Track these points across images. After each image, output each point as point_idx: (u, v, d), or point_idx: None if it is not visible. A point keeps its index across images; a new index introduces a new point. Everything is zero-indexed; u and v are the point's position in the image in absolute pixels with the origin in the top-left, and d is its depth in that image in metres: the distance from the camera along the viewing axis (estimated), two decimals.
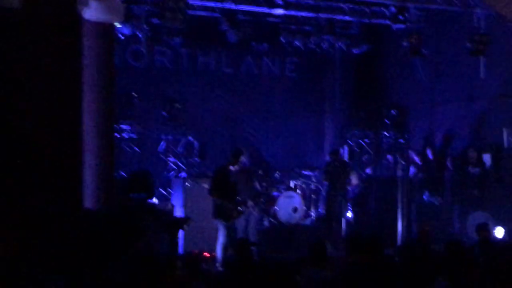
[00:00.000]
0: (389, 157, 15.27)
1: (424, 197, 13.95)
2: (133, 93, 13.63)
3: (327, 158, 14.99)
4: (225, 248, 10.15)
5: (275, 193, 13.58)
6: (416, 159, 14.36)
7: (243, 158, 10.78)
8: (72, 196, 7.62)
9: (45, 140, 7.38)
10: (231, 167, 10.61)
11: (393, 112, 15.25)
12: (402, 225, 11.75)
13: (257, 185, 11.64)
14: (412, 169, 14.34)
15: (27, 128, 7.29)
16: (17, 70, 7.27)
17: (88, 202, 8.32)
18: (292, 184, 13.96)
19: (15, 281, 4.02)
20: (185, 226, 9.17)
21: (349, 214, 13.65)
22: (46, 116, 7.41)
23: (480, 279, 6.11)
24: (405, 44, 13.42)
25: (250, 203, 10.96)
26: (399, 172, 12.06)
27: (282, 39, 15.09)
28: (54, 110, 7.45)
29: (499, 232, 11.98)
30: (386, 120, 15.32)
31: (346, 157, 15.50)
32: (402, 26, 13.80)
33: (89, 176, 8.29)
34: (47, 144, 7.39)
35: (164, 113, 13.98)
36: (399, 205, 11.72)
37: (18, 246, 6.64)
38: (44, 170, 7.37)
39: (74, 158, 7.71)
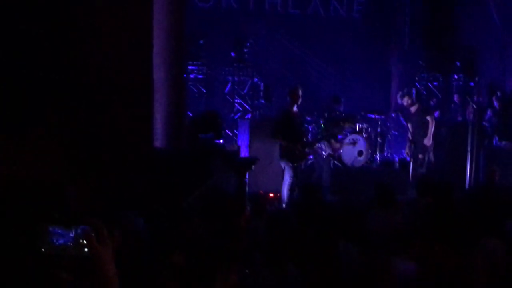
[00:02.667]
0: (455, 99, 14.96)
1: (494, 142, 13.68)
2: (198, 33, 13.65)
3: (394, 101, 14.74)
4: (291, 189, 10.19)
5: (340, 136, 13.49)
6: (495, 103, 14.01)
7: (300, 92, 10.55)
8: (143, 135, 7.73)
9: (117, 79, 7.47)
10: (295, 108, 10.49)
11: (465, 54, 14.85)
12: (471, 170, 11.55)
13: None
14: (489, 113, 14.02)
15: (99, 66, 7.39)
16: (90, 13, 7.35)
17: (158, 141, 8.44)
18: (357, 127, 13.85)
19: (96, 217, 4.15)
20: (252, 166, 9.22)
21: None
22: (117, 56, 7.48)
23: None
24: None
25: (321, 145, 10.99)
26: (469, 116, 11.79)
27: None
28: (125, 50, 7.52)
29: None
30: (457, 63, 14.94)
31: (413, 100, 15.25)
32: None
33: (159, 115, 8.39)
34: (119, 83, 7.49)
35: (232, 53, 13.96)
36: (468, 149, 11.50)
37: (94, 186, 6.82)
38: (116, 109, 7.49)
39: (145, 98, 7.79)
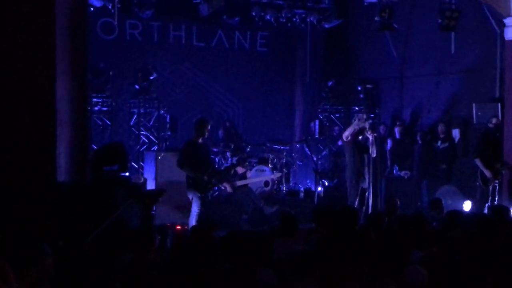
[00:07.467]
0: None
1: (394, 171, 14.13)
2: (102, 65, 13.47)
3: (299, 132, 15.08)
4: (200, 220, 10.14)
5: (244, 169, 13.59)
6: (396, 133, 14.50)
7: (209, 127, 10.60)
8: (46, 169, 7.56)
9: (19, 113, 7.31)
10: (200, 140, 10.50)
11: (367, 86, 15.31)
12: (372, 199, 11.84)
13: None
14: (389, 143, 14.48)
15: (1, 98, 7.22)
16: None
17: (62, 175, 8.26)
18: (263, 158, 14.05)
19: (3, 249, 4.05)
20: (159, 199, 9.11)
21: (320, 188, 13.77)
22: (20, 89, 7.33)
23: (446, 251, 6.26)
24: (376, 18, 13.43)
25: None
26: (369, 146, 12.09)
27: (253, 13, 15.06)
28: (28, 83, 7.37)
29: (466, 205, 12.19)
30: (361, 95, 15.38)
31: (316, 131, 15.61)
32: (373, 0, 13.80)
33: (62, 148, 8.22)
34: (21, 117, 7.32)
35: (136, 86, 13.85)
36: (370, 179, 11.79)
37: None
38: (18, 144, 7.31)
39: (48, 131, 7.63)
